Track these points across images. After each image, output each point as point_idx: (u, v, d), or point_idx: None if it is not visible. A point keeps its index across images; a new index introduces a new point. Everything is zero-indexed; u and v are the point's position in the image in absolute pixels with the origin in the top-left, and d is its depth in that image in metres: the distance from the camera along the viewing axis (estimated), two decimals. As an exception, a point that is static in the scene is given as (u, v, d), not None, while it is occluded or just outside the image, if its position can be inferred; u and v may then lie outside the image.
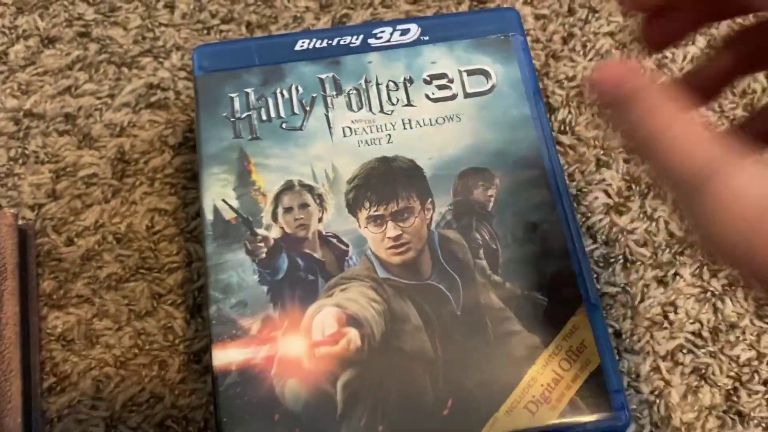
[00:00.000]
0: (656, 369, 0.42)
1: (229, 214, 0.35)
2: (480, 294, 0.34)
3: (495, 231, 0.35)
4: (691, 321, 0.43)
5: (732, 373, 0.42)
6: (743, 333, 0.43)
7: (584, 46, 0.51)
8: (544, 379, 0.33)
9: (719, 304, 0.44)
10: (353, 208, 0.36)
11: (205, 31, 0.52)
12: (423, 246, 0.35)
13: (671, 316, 0.43)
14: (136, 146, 0.48)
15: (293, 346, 0.33)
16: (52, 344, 0.43)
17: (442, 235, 0.35)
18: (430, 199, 0.36)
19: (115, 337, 0.43)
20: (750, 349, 0.43)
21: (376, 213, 0.35)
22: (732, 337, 0.43)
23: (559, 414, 0.32)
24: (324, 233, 0.35)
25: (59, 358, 0.43)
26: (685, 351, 0.43)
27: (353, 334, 0.33)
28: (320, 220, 0.35)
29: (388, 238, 0.35)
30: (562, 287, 0.34)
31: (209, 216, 0.35)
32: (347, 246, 0.35)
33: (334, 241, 0.35)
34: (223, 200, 0.35)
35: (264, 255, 0.34)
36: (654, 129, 0.24)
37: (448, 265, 0.35)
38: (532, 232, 0.35)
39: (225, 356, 0.33)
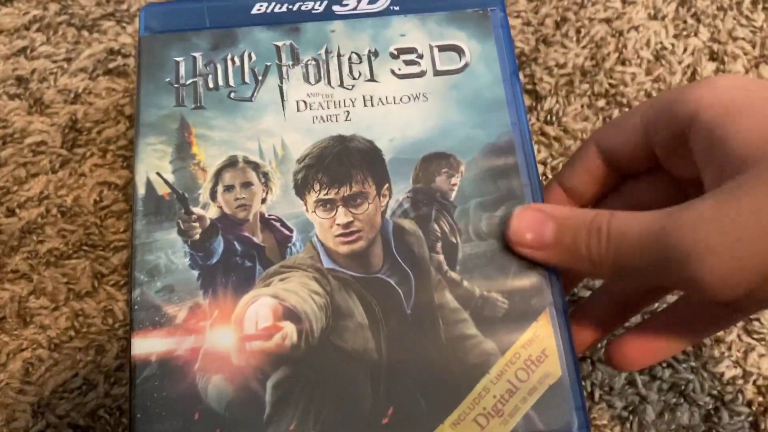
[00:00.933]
0: (632, 383, 0.39)
1: (162, 189, 0.32)
2: (434, 292, 0.31)
3: (456, 223, 0.32)
4: (673, 333, 0.40)
5: (714, 392, 0.39)
6: (729, 349, 0.40)
7: (578, 32, 0.48)
8: (498, 390, 0.29)
9: (705, 315, 0.40)
10: (301, 189, 0.32)
11: (174, -3, 0.48)
12: (375, 236, 0.32)
13: (652, 326, 0.40)
14: (89, 114, 0.45)
15: (222, 339, 0.29)
16: (-18, 321, 0.40)
17: (396, 224, 0.32)
18: (387, 185, 0.32)
19: (51, 318, 0.40)
20: (735, 367, 0.39)
21: (327, 197, 0.32)
22: (716, 353, 0.40)
23: (511, 429, 0.29)
24: (267, 215, 0.32)
25: (-12, 337, 0.40)
26: (664, 365, 0.39)
27: (290, 328, 0.30)
28: (264, 201, 0.32)
29: (338, 224, 0.32)
30: (526, 289, 0.31)
31: (141, 190, 0.32)
32: (291, 231, 0.31)
33: (278, 224, 0.31)
34: (158, 173, 0.32)
35: (197, 236, 0.31)
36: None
37: (401, 258, 0.31)
38: (497, 227, 0.32)
39: (145, 345, 0.29)
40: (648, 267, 0.26)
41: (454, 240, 0.32)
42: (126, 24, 0.47)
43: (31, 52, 0.47)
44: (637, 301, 0.34)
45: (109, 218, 0.42)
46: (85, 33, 0.47)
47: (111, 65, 0.46)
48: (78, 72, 0.46)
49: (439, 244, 0.32)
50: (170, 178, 0.32)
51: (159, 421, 0.28)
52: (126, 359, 0.39)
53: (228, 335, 0.30)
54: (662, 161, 0.31)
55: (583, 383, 0.38)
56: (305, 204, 0.32)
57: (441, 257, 0.31)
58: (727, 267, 0.24)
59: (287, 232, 0.32)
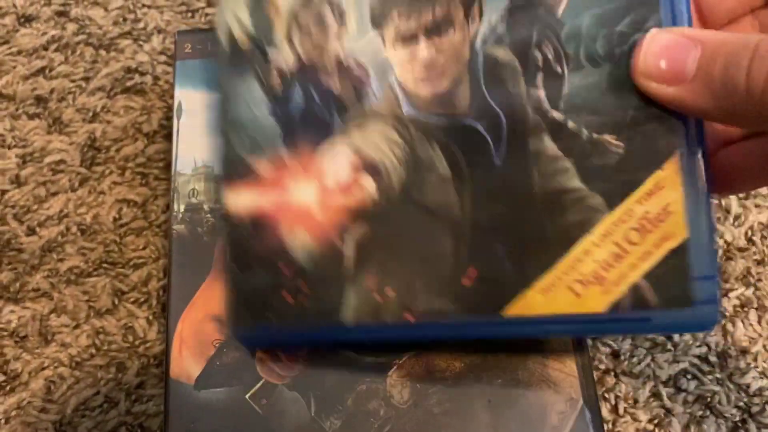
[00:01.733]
0: (657, 395, 0.38)
1: (242, 38, 0.30)
2: (528, 137, 0.26)
3: (563, 47, 0.26)
4: (697, 344, 0.39)
5: (741, 404, 0.38)
6: (755, 359, 0.39)
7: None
8: (602, 254, 0.24)
9: (729, 326, 0.40)
10: (378, 19, 0.28)
11: (189, 14, 0.49)
12: (462, 72, 0.27)
13: (675, 337, 0.39)
14: (108, 133, 0.45)
15: (304, 193, 0.28)
16: (4, 340, 0.40)
17: (488, 55, 0.27)
18: (477, 3, 0.27)
19: (72, 336, 0.40)
20: (761, 378, 0.39)
21: (407, 27, 0.28)
22: (742, 364, 0.39)
23: (613, 301, 0.25)
24: (343, 57, 0.29)
25: (10, 356, 0.40)
26: (689, 377, 0.39)
27: (368, 183, 0.27)
28: (339, 40, 0.29)
29: (419, 61, 0.27)
30: (649, 128, 0.25)
31: (223, 38, 0.30)
32: (368, 74, 0.28)
33: (354, 67, 0.28)
34: (237, 18, 0.30)
35: (278, 86, 0.29)
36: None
37: (492, 98, 0.27)
38: (618, 47, 0.25)
39: (236, 199, 0.28)
40: None
41: (559, 69, 0.26)
42: (143, 42, 0.48)
43: (50, 71, 0.47)
44: None
45: (129, 235, 0.42)
46: (103, 52, 0.48)
47: (128, 83, 0.46)
48: (96, 91, 0.46)
49: (539, 76, 0.27)
50: (248, 22, 0.29)
51: (249, 271, 0.28)
52: (146, 376, 0.39)
53: (309, 190, 0.28)
54: None
55: (607, 396, 0.38)
56: (383, 39, 0.28)
57: (541, 92, 0.26)
58: None
59: (364, 76, 0.29)
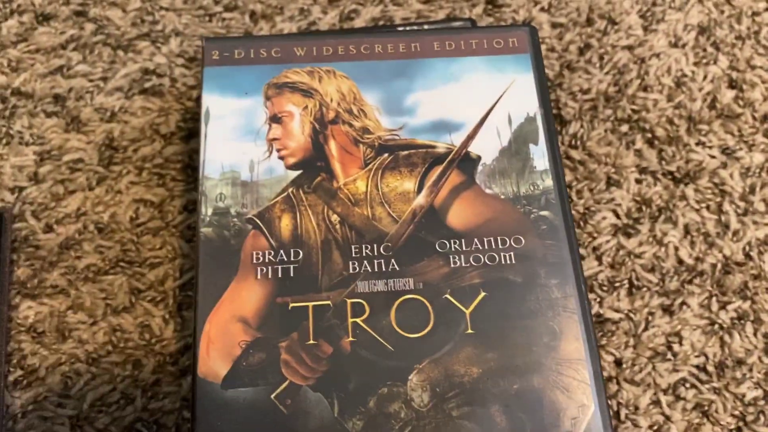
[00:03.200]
0: (656, 402, 0.40)
1: None
2: None
3: None
4: (696, 354, 0.41)
5: (736, 412, 0.40)
6: (750, 370, 0.41)
7: (601, 58, 0.49)
8: None
9: (727, 337, 0.41)
10: None
11: (207, 18, 0.50)
12: None
13: (675, 347, 0.41)
14: (126, 133, 0.46)
15: None
16: (21, 335, 0.41)
17: None
18: None
19: (89, 332, 0.41)
20: (756, 388, 0.40)
21: None
22: (738, 374, 0.41)
23: None
24: None
25: (28, 351, 0.40)
26: (688, 385, 0.40)
27: None
28: None
29: None
30: None
31: None
32: None
33: None
34: None
35: None
36: None
37: None
38: None
39: None
40: None
41: None
42: (161, 44, 0.49)
43: (68, 70, 0.48)
44: None
45: (145, 235, 0.43)
46: (121, 53, 0.48)
47: (146, 85, 0.47)
48: (114, 91, 0.47)
49: None
50: None
51: None
52: (162, 374, 0.40)
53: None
54: None
55: (610, 402, 0.40)
56: None
57: None
58: None
59: None
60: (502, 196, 0.36)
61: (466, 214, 0.36)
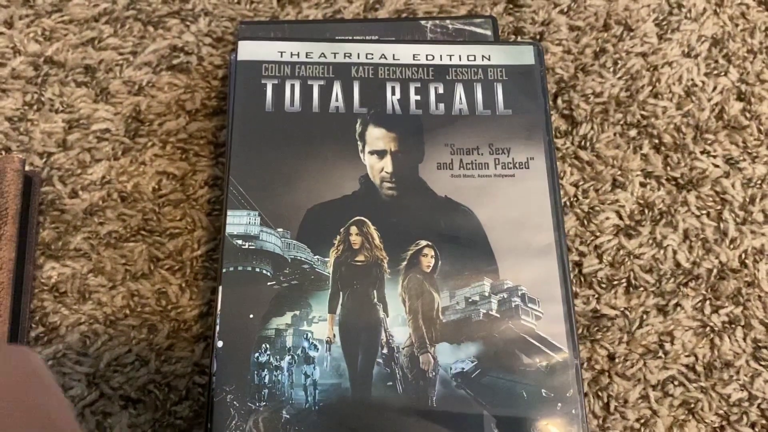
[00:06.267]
0: (645, 397, 0.42)
1: None
2: None
3: None
4: (686, 354, 0.43)
5: (721, 412, 0.42)
6: (737, 372, 0.43)
7: (615, 63, 0.50)
8: None
9: (717, 340, 0.43)
10: None
11: (236, 0, 0.51)
12: None
13: (667, 346, 0.43)
14: (152, 107, 0.48)
15: None
16: (44, 294, 0.43)
17: None
18: None
19: (108, 296, 0.43)
20: (742, 390, 0.42)
21: None
22: (725, 375, 0.42)
23: None
24: None
25: (50, 309, 0.42)
26: (676, 383, 0.42)
27: None
28: None
29: None
30: None
31: None
32: None
33: None
34: None
35: None
36: None
37: None
38: None
39: None
40: None
41: None
42: (190, 23, 0.50)
43: (99, 42, 0.49)
44: None
45: (167, 206, 0.45)
46: (151, 28, 0.50)
47: (174, 61, 0.49)
48: (142, 65, 0.49)
49: None
50: None
51: None
52: (176, 339, 0.42)
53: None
54: None
55: (600, 394, 0.41)
56: None
57: None
58: None
59: None
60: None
61: None
